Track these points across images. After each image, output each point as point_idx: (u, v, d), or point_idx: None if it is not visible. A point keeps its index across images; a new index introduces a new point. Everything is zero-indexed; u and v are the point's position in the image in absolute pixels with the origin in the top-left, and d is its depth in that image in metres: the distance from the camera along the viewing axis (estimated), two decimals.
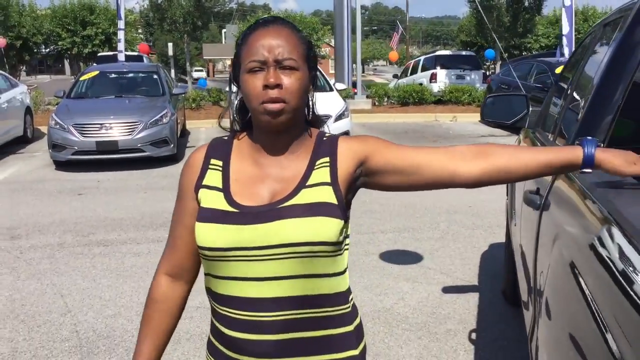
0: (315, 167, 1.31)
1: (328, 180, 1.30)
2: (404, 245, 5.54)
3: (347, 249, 1.35)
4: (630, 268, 0.97)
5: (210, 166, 1.36)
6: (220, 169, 1.35)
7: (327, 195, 1.28)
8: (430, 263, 5.07)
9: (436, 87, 19.13)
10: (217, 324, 1.35)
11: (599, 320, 1.02)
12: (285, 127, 1.29)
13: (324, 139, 1.36)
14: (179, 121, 11.07)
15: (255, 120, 1.32)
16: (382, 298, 4.35)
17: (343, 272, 1.33)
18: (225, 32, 69.13)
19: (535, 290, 1.82)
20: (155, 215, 6.62)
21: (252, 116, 1.33)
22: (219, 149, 1.38)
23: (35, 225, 6.43)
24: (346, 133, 10.12)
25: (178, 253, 1.42)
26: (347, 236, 1.34)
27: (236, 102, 1.38)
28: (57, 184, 8.61)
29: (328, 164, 1.32)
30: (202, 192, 1.33)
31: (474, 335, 3.76)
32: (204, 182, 1.34)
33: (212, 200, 1.31)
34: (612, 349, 0.91)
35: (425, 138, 12.67)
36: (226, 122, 1.43)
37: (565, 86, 2.81)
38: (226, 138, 1.41)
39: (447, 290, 4.49)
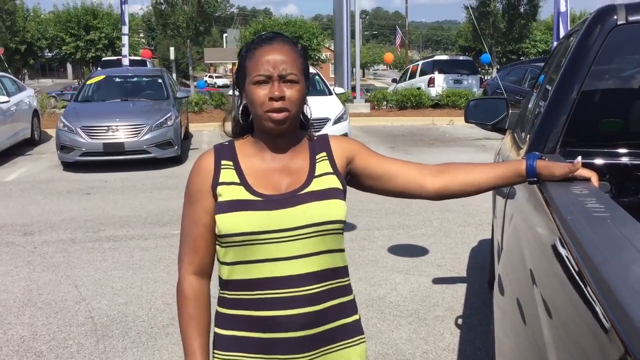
0: (317, 161, 1.52)
1: (331, 170, 1.52)
2: (398, 241, 5.84)
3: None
4: (551, 236, 1.25)
5: (222, 166, 1.49)
6: (233, 167, 1.49)
7: (334, 182, 1.50)
8: (423, 257, 5.37)
9: (434, 92, 19.44)
10: (242, 312, 1.46)
11: (534, 280, 1.30)
12: (287, 132, 1.49)
13: (315, 138, 1.58)
14: (182, 124, 11.38)
15: (259, 125, 1.49)
16: (375, 288, 4.65)
17: (344, 250, 1.58)
18: (226, 37, 69.50)
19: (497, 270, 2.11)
20: (161, 214, 6.93)
21: (255, 121, 1.49)
22: (225, 152, 1.52)
23: (46, 222, 6.74)
24: (345, 136, 10.42)
25: (200, 252, 1.52)
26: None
27: (240, 107, 1.55)
28: (66, 184, 8.92)
29: (327, 158, 1.54)
30: (221, 189, 1.46)
31: (460, 321, 4.06)
32: (221, 180, 1.47)
33: (233, 193, 1.45)
34: (546, 305, 1.18)
35: (422, 141, 12.96)
36: (227, 126, 1.61)
37: (536, 91, 3.12)
38: (227, 143, 1.55)
39: (437, 281, 4.79)
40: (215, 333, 1.54)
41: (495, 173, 1.58)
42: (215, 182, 1.48)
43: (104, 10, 34.63)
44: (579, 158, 1.52)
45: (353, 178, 1.60)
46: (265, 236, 1.43)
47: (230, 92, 1.62)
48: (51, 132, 12.50)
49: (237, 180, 1.47)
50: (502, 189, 2.39)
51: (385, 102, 18.53)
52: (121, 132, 9.82)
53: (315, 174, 1.50)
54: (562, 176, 1.52)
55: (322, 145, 1.57)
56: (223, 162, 1.51)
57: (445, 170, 1.59)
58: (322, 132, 9.93)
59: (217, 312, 1.54)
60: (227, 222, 1.43)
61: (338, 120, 10.53)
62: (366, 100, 18.67)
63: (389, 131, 14.81)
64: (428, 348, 3.67)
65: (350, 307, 1.57)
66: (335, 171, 1.53)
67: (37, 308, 4.38)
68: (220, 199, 1.46)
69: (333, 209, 1.46)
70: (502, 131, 4.10)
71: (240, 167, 1.50)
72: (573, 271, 0.99)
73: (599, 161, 2.17)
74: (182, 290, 1.54)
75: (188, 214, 1.53)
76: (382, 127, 15.60)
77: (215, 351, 1.53)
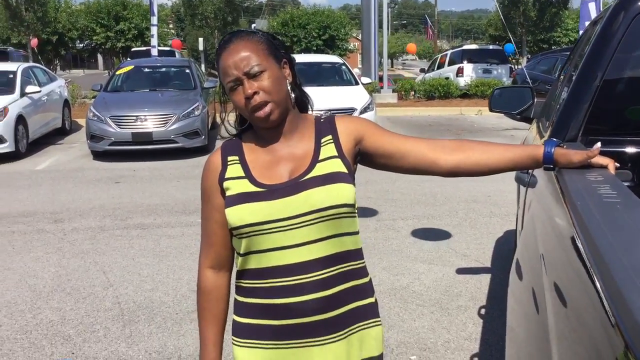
0: (322, 145, 1.52)
1: (335, 154, 1.50)
2: (422, 231, 5.83)
3: (356, 214, 1.58)
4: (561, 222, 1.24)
5: (228, 162, 1.53)
6: (238, 161, 1.52)
7: (338, 165, 1.49)
8: (447, 247, 5.36)
9: (463, 81, 19.24)
10: (257, 300, 1.49)
11: (544, 266, 1.30)
12: (279, 120, 1.49)
13: (322, 120, 1.57)
14: (209, 114, 11.48)
15: (253, 123, 1.53)
16: (399, 278, 4.65)
17: (358, 232, 1.58)
18: (254, 27, 69.69)
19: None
20: (188, 202, 7.01)
21: (250, 121, 1.54)
22: (231, 148, 1.56)
23: (76, 210, 6.87)
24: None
25: (216, 247, 1.56)
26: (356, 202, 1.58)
27: (237, 116, 1.58)
28: (95, 172, 9.08)
29: (332, 141, 1.52)
30: (227, 183, 1.50)
31: (483, 311, 4.05)
32: (227, 176, 1.51)
33: (239, 186, 1.48)
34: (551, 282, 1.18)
35: (449, 131, 12.87)
36: (223, 130, 1.64)
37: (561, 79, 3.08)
38: (234, 139, 1.59)
39: (461, 271, 4.78)
40: (233, 320, 1.57)
41: (510, 156, 1.55)
42: (222, 178, 1.52)
43: (133, 1, 34.97)
44: (598, 144, 1.50)
45: (364, 157, 1.59)
46: (270, 225, 1.44)
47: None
48: (82, 121, 12.70)
49: (242, 174, 1.50)
50: (524, 178, 2.37)
51: (412, 92, 18.41)
52: (149, 122, 9.94)
53: (320, 159, 1.50)
54: (579, 163, 1.50)
55: (328, 128, 1.56)
56: (229, 158, 1.54)
57: (460, 148, 1.57)
58: None
59: (235, 300, 1.57)
60: (234, 215, 1.46)
61: (364, 111, 10.49)
62: (393, 91, 18.56)
63: (416, 121, 14.73)
64: (450, 337, 3.67)
65: (365, 290, 1.57)
66: (340, 154, 1.51)
67: (66, 293, 4.48)
68: (227, 193, 1.50)
69: (337, 193, 1.46)
70: (530, 120, 4.07)
71: (245, 160, 1.52)
72: (577, 257, 0.99)
73: (620, 149, 2.14)
74: (199, 283, 1.60)
75: (203, 210, 1.58)
76: (409, 118, 15.52)
77: (234, 337, 1.56)
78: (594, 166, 1.49)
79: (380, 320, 1.62)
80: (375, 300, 1.62)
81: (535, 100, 3.68)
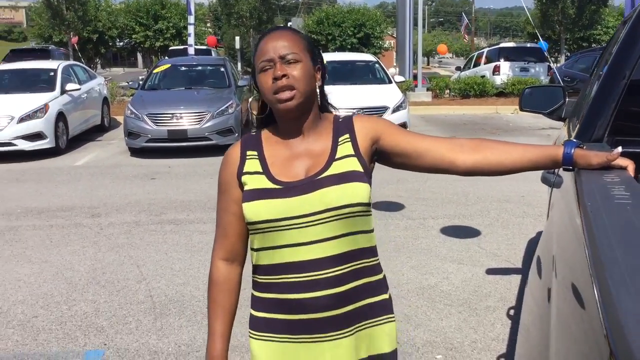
0: (339, 143, 1.53)
1: (352, 152, 1.52)
2: (453, 231, 5.80)
3: (371, 212, 1.60)
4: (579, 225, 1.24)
5: (247, 157, 1.55)
6: (257, 157, 1.54)
7: (354, 164, 1.50)
8: (477, 247, 5.33)
9: (499, 80, 19.00)
10: (272, 295, 1.52)
11: (554, 267, 1.30)
12: (300, 111, 1.51)
13: (340, 120, 1.59)
14: (243, 111, 11.60)
15: (275, 111, 1.54)
16: (427, 277, 4.65)
17: (373, 230, 1.60)
18: (290, 25, 69.91)
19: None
20: None
21: (272, 109, 1.55)
22: (251, 142, 1.58)
23: (113, 205, 7.03)
24: (403, 125, 10.35)
25: (230, 239, 1.59)
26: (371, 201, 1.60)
27: (252, 101, 1.64)
28: (132, 169, 9.26)
29: (349, 140, 1.54)
30: (245, 178, 1.52)
31: (512, 312, 4.02)
32: (245, 170, 1.53)
33: (256, 182, 1.50)
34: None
35: (483, 130, 12.73)
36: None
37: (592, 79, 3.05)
38: (254, 133, 1.62)
39: (491, 271, 4.75)
40: (250, 314, 1.60)
41: (529, 156, 1.55)
42: (240, 172, 1.54)
43: (171, 0, 35.47)
44: (619, 149, 1.49)
45: (381, 156, 1.60)
46: (286, 222, 1.47)
47: None
48: (120, 119, 12.96)
49: (260, 170, 1.52)
50: (550, 178, 2.36)
51: (447, 91, 18.26)
52: (185, 120, 10.10)
53: (336, 157, 1.52)
54: (599, 165, 1.49)
55: (346, 127, 1.57)
56: (248, 152, 1.56)
57: (478, 148, 1.57)
58: None
59: (252, 295, 1.60)
60: (250, 210, 1.49)
61: (397, 109, 10.47)
62: (428, 89, 18.44)
63: (450, 120, 14.62)
64: (477, 337, 3.66)
65: (378, 287, 1.59)
66: (357, 153, 1.53)
67: (101, 286, 4.60)
68: (245, 187, 1.52)
69: (352, 192, 1.48)
70: (564, 120, 4.02)
71: (264, 156, 1.55)
72: (581, 258, 0.99)
73: None
74: (210, 274, 1.63)
75: (219, 202, 1.61)
76: (443, 116, 15.41)
77: (250, 330, 1.59)
78: (614, 167, 1.48)
79: (393, 317, 1.63)
80: (390, 296, 1.64)
81: (567, 99, 3.64)
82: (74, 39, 23.52)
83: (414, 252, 5.19)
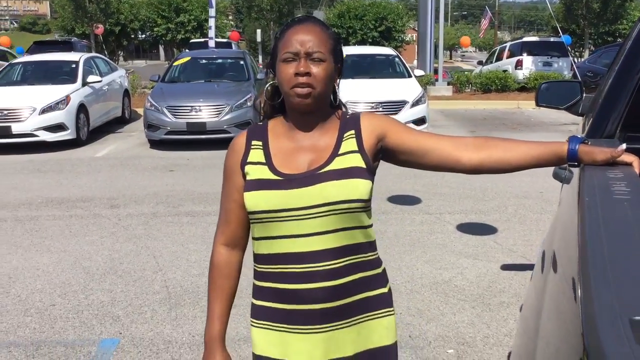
0: (344, 139, 1.55)
1: (356, 148, 1.53)
2: (469, 226, 5.78)
3: (370, 208, 1.61)
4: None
5: (252, 146, 1.57)
6: (261, 147, 1.57)
7: (357, 160, 1.52)
8: (493, 243, 5.30)
9: (521, 74, 18.81)
10: (270, 284, 1.55)
11: (554, 262, 1.30)
12: (313, 109, 1.52)
13: (348, 116, 1.60)
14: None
15: (287, 102, 1.54)
16: (441, 272, 4.64)
17: (371, 225, 1.61)
18: None
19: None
20: None
21: (285, 100, 1.55)
22: (257, 132, 1.60)
23: (131, 196, 7.11)
24: (422, 119, 10.31)
25: (232, 225, 1.62)
26: (371, 197, 1.59)
27: (267, 89, 1.62)
28: (151, 161, 9.35)
29: (354, 136, 1.55)
30: (248, 168, 1.54)
31: None
32: (249, 160, 1.55)
33: (259, 172, 1.52)
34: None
35: (504, 125, 12.63)
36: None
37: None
38: (261, 123, 1.63)
39: (505, 267, 4.72)
40: (251, 303, 1.63)
41: (534, 154, 1.55)
42: (244, 162, 1.57)
43: None
44: (623, 145, 1.48)
45: (387, 154, 1.61)
46: (284, 214, 1.49)
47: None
48: (141, 111, 13.06)
49: (263, 160, 1.54)
50: (561, 174, 2.34)
51: (468, 85, 18.12)
52: (204, 112, 10.16)
53: (339, 153, 1.53)
54: (603, 162, 1.48)
55: (352, 123, 1.58)
56: (253, 142, 1.59)
57: (483, 146, 1.57)
58: (400, 115, 9.72)
59: (253, 284, 1.63)
60: (251, 200, 1.51)
61: (416, 103, 10.41)
62: (449, 83, 18.32)
63: (471, 115, 14.51)
64: (489, 333, 3.65)
65: (376, 281, 1.61)
66: (361, 150, 1.54)
67: (118, 276, 4.66)
68: (248, 177, 1.54)
69: (351, 188, 1.49)
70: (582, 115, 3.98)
71: (268, 147, 1.57)
72: (572, 253, 0.99)
73: None
74: (211, 259, 1.67)
75: (223, 188, 1.64)
76: (463, 111, 15.30)
77: (251, 319, 1.62)
78: (619, 164, 1.47)
79: (393, 310, 1.64)
80: (389, 290, 1.65)
81: (585, 95, 3.60)
82: (100, 30, 23.73)
83: (429, 247, 5.18)
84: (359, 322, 1.57)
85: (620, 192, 1.16)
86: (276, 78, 1.55)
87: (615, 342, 0.63)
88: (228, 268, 1.65)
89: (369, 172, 1.54)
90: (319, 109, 1.55)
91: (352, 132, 1.57)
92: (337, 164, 1.52)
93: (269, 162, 1.54)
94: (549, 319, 1.02)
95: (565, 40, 19.31)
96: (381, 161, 1.65)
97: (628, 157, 1.48)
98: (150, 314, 3.99)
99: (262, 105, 1.68)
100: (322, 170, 1.51)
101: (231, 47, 24.23)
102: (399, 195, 6.87)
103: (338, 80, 1.60)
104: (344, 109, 1.65)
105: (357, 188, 1.50)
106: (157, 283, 4.50)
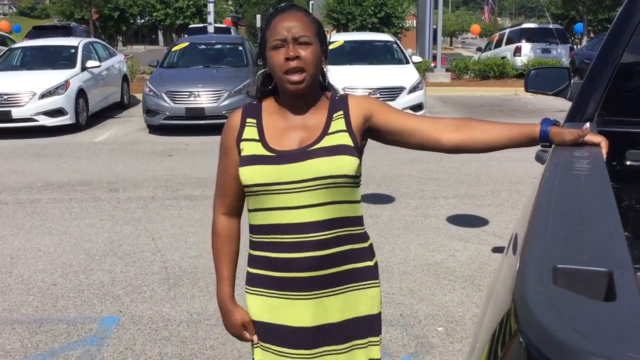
0: (333, 119, 1.66)
1: (344, 128, 1.64)
2: (462, 210, 5.88)
3: (360, 184, 1.73)
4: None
5: (247, 124, 1.68)
6: (255, 125, 1.67)
7: (345, 139, 1.63)
8: (486, 226, 5.41)
9: (519, 61, 18.84)
10: (263, 253, 1.66)
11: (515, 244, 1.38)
12: (306, 92, 1.62)
13: (337, 98, 1.71)
14: None
15: (280, 87, 1.64)
16: (434, 254, 4.75)
17: (359, 201, 1.72)
18: (312, 4, 69.52)
19: None
20: None
21: (278, 85, 1.65)
22: (252, 111, 1.71)
23: (130, 180, 7.21)
24: (419, 105, 10.38)
25: (229, 197, 1.74)
26: (360, 174, 1.71)
27: (258, 75, 1.72)
28: (150, 145, 9.44)
29: (342, 116, 1.66)
30: (243, 144, 1.65)
31: None
32: (244, 137, 1.66)
33: (253, 148, 1.63)
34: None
35: (501, 112, 12.70)
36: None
37: None
38: (255, 103, 1.73)
39: (497, 250, 4.83)
40: (246, 271, 1.75)
41: (509, 134, 1.65)
42: (239, 138, 1.67)
43: None
44: (587, 124, 1.57)
45: (373, 133, 1.72)
46: (277, 187, 1.60)
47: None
48: (140, 96, 13.09)
49: (257, 137, 1.65)
50: (543, 157, 2.44)
51: (467, 72, 18.16)
52: (202, 98, 10.23)
53: (329, 132, 1.64)
54: (572, 142, 1.58)
55: (340, 104, 1.69)
56: (248, 120, 1.69)
57: (462, 127, 1.68)
58: (397, 101, 9.77)
59: (248, 254, 1.74)
60: (245, 174, 1.62)
61: (413, 90, 10.48)
62: (447, 70, 18.36)
63: (468, 101, 14.58)
64: (478, 312, 3.76)
65: (362, 254, 1.71)
66: (349, 129, 1.64)
67: (117, 257, 4.77)
68: (242, 153, 1.65)
69: (339, 164, 1.59)
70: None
71: (262, 124, 1.67)
72: (522, 231, 1.08)
73: (635, 130, 2.19)
74: (214, 227, 1.80)
75: (220, 164, 1.75)
76: (461, 97, 15.36)
77: (246, 286, 1.74)
78: (588, 144, 1.56)
79: (378, 282, 1.75)
80: (375, 264, 1.75)
81: (573, 81, 3.69)
82: (95, 16, 23.73)
83: (423, 230, 5.29)
84: (345, 292, 1.68)
85: (580, 169, 1.25)
86: (267, 66, 1.65)
87: (535, 283, 0.72)
88: (230, 234, 1.78)
89: (356, 150, 1.64)
90: (310, 91, 1.65)
91: (341, 112, 1.67)
92: (327, 142, 1.62)
93: (262, 139, 1.64)
94: (494, 290, 1.11)
95: (577, 29, 19.26)
96: (380, 148, 1.76)
97: (596, 138, 1.58)
98: (150, 293, 4.10)
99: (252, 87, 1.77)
100: (312, 148, 1.61)
101: (230, 33, 24.22)
102: (395, 180, 6.97)
103: (325, 62, 1.69)
104: (332, 91, 1.76)
105: (345, 164, 1.60)
106: (156, 264, 4.61)
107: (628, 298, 0.68)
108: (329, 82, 1.76)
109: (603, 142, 1.57)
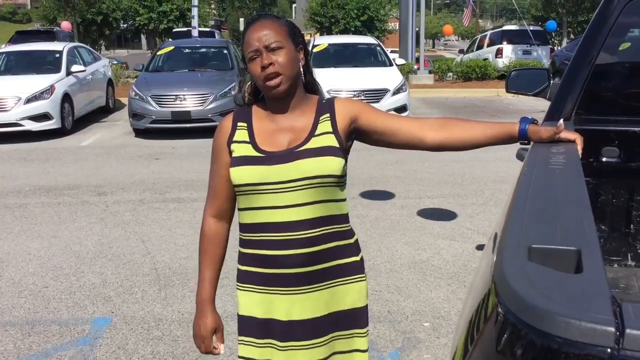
0: (320, 121, 1.73)
1: (330, 130, 1.72)
2: (447, 209, 5.99)
3: (345, 184, 1.81)
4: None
5: (237, 127, 1.75)
6: (246, 128, 1.74)
7: (331, 140, 1.70)
8: (470, 225, 5.52)
9: (501, 63, 19.08)
10: (253, 250, 1.73)
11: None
12: (288, 93, 1.70)
13: (323, 101, 1.78)
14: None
15: (264, 94, 1.75)
16: (420, 252, 4.85)
17: (344, 200, 1.81)
18: (295, 7, 69.65)
19: None
20: None
21: (262, 91, 1.75)
22: (242, 115, 1.78)
23: (118, 184, 7.24)
24: (403, 107, 10.51)
25: (219, 199, 1.79)
26: (345, 174, 1.79)
27: (248, 86, 1.82)
28: (136, 149, 9.47)
29: (329, 118, 1.73)
30: (234, 146, 1.72)
31: None
32: (235, 139, 1.73)
33: (243, 150, 1.70)
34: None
35: (483, 113, 12.87)
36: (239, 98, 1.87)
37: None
38: (246, 107, 1.81)
39: (480, 247, 4.94)
40: (237, 268, 1.81)
41: (490, 133, 1.74)
42: (230, 140, 1.74)
43: None
44: (561, 121, 1.67)
45: (360, 135, 1.80)
46: (265, 187, 1.67)
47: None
48: (125, 100, 13.13)
49: (247, 139, 1.72)
50: (523, 155, 2.54)
51: (449, 74, 18.36)
52: (188, 101, 10.27)
53: (315, 134, 1.71)
54: (548, 139, 1.67)
55: (327, 107, 1.77)
56: (239, 123, 1.77)
57: (445, 126, 1.77)
58: (381, 103, 9.90)
59: (239, 251, 1.81)
60: (236, 174, 1.69)
61: (397, 92, 10.61)
62: (430, 72, 18.54)
63: (451, 103, 14.75)
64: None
65: (349, 250, 1.79)
66: (335, 131, 1.72)
67: (108, 259, 4.82)
68: (233, 154, 1.72)
69: (326, 165, 1.67)
70: None
71: (252, 127, 1.75)
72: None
73: (609, 128, 2.29)
74: (202, 229, 1.85)
75: (212, 165, 1.81)
76: (444, 99, 15.53)
77: (237, 283, 1.81)
78: (563, 141, 1.66)
79: (364, 277, 1.83)
80: (361, 259, 1.84)
81: (552, 82, 3.81)
82: (68, 27, 23.67)
83: (409, 230, 5.39)
84: (332, 286, 1.77)
85: (556, 163, 1.35)
86: (252, 77, 1.74)
87: (513, 260, 0.81)
88: (217, 237, 1.82)
89: (342, 151, 1.72)
90: (293, 91, 1.73)
91: (328, 115, 1.75)
92: (313, 143, 1.70)
93: (252, 141, 1.72)
94: (474, 281, 1.20)
95: (549, 27, 19.51)
96: (365, 150, 1.85)
97: (571, 135, 1.68)
98: (141, 294, 4.16)
99: (245, 94, 1.86)
100: (300, 149, 1.69)
101: (214, 36, 24.25)
102: (381, 181, 7.07)
103: (303, 59, 1.76)
104: (320, 94, 1.84)
105: (331, 165, 1.68)
106: (146, 266, 4.67)
107: (593, 271, 0.77)
108: (317, 86, 1.83)
109: (578, 139, 1.67)
